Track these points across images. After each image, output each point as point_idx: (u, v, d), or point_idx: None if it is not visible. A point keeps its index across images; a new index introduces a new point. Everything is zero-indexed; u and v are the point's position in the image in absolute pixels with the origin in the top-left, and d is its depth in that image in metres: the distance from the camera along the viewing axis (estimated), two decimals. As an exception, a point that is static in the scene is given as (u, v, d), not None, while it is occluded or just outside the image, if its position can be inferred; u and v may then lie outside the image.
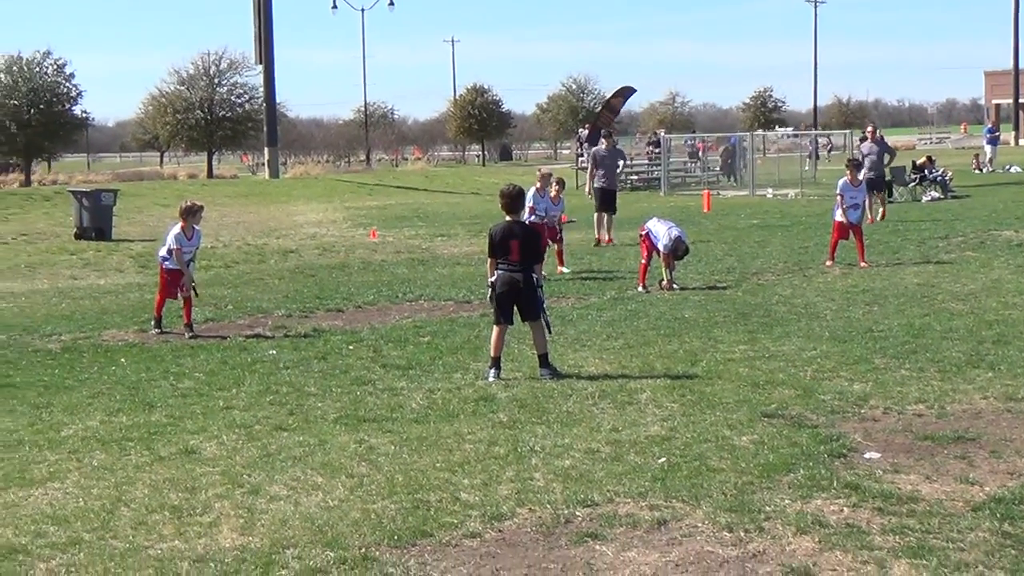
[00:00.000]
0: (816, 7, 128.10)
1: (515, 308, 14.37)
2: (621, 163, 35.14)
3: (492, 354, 14.33)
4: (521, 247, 14.20)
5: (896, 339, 15.67)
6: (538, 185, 24.44)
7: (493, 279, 14.39)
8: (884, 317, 17.46)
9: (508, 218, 14.50)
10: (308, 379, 14.49)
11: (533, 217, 23.06)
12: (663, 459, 10.46)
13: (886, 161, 36.04)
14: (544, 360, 14.22)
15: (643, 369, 14.34)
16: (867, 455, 10.50)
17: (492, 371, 14.22)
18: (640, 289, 20.94)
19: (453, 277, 24.32)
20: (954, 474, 9.87)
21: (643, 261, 21.36)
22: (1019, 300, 18.48)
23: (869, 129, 38.62)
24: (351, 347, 16.52)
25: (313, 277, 25.69)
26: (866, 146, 37.20)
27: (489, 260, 14.55)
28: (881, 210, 34.78)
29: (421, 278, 24.41)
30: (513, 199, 14.59)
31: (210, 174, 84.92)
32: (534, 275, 14.30)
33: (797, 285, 21.32)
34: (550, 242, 23.45)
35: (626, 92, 65.20)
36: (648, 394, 12.96)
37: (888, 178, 39.06)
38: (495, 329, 14.35)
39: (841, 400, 12.47)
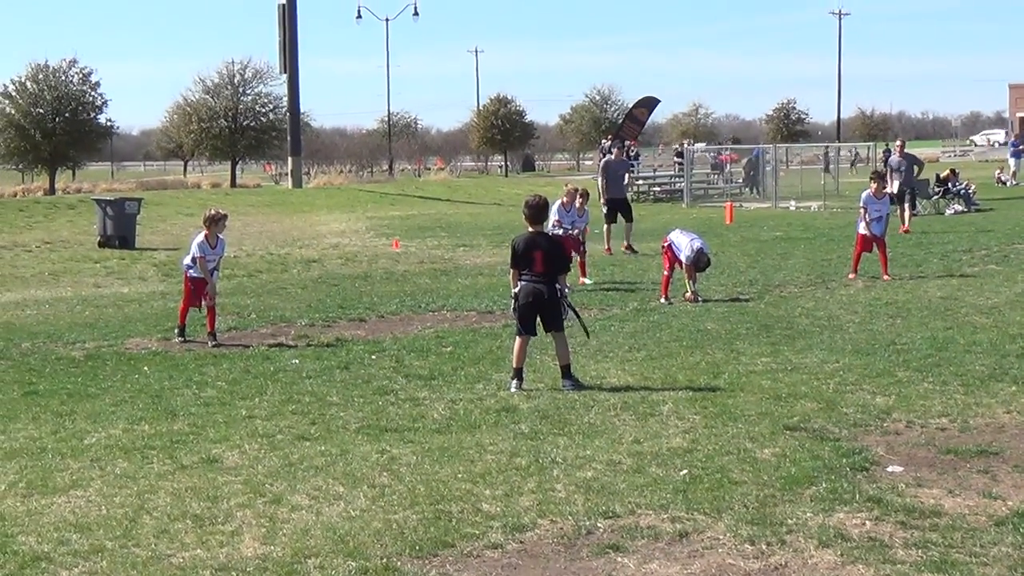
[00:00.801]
0: (840, 19, 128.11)
1: (538, 319, 14.37)
2: (627, 175, 35.61)
3: (514, 365, 14.33)
4: (545, 258, 14.19)
5: (919, 352, 15.62)
6: (564, 200, 24.51)
7: (516, 290, 14.38)
8: (907, 330, 17.42)
9: (531, 229, 14.48)
10: (330, 389, 14.51)
11: (559, 230, 23.09)
12: (685, 471, 10.44)
13: (915, 172, 36.59)
14: (567, 371, 14.22)
15: (665, 381, 14.33)
16: (890, 469, 10.47)
17: (514, 382, 14.22)
18: (663, 301, 20.92)
19: (475, 287, 24.32)
20: (977, 488, 9.84)
21: (665, 273, 21.33)
22: (1043, 314, 18.40)
23: (898, 143, 39.06)
24: (373, 357, 16.54)
25: (336, 287, 25.72)
26: (895, 160, 37.45)
27: (512, 271, 14.54)
28: (907, 222, 34.80)
29: (443, 288, 24.42)
30: (537, 210, 14.59)
31: (233, 183, 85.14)
32: (558, 286, 14.29)
33: (820, 297, 21.27)
34: (573, 253, 23.42)
35: (651, 103, 65.26)
36: (670, 406, 12.94)
37: (937, 188, 39.35)
38: (517, 340, 14.35)
39: (864, 413, 12.43)
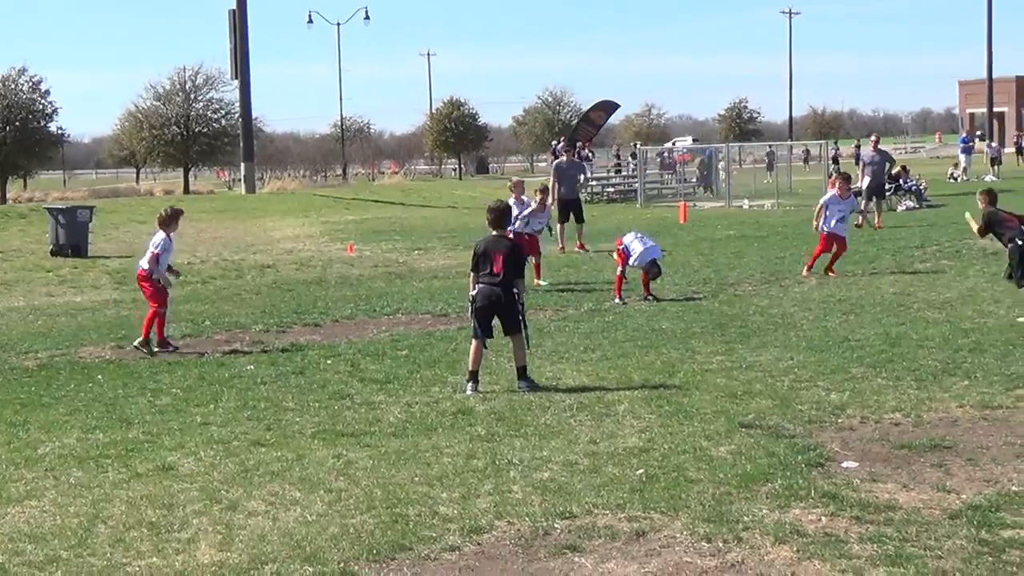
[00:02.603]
0: (791, 18, 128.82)
1: (494, 322, 14.38)
2: (582, 177, 36.15)
3: (470, 368, 14.33)
4: (505, 260, 14.22)
5: (873, 348, 15.72)
6: (514, 194, 24.59)
7: (474, 292, 14.40)
8: (860, 326, 17.52)
9: (494, 233, 14.54)
10: (286, 394, 14.46)
11: (517, 224, 23.02)
12: (641, 471, 10.47)
13: (887, 169, 37.01)
14: (522, 372, 14.23)
15: (621, 381, 14.36)
16: (844, 464, 10.53)
17: (470, 384, 14.22)
18: (616, 301, 20.95)
19: (430, 291, 24.31)
20: (931, 482, 9.91)
21: (619, 272, 21.37)
22: (994, 308, 18.54)
23: (872, 138, 39.52)
24: (329, 361, 16.50)
25: (291, 292, 25.65)
26: (867, 154, 37.81)
27: (471, 275, 14.55)
28: (878, 217, 35.07)
29: (398, 292, 24.38)
30: (499, 214, 14.70)
31: (186, 190, 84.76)
32: (515, 290, 14.32)
33: (774, 295, 21.36)
34: (530, 256, 23.42)
35: (609, 107, 65.38)
36: (626, 406, 12.97)
37: (889, 185, 39.76)
38: (473, 343, 14.36)
39: (818, 410, 12.50)
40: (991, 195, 20.33)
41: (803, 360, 15.13)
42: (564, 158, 35.82)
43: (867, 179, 35.78)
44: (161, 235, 18.31)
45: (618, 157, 70.69)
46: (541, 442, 11.60)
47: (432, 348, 17.26)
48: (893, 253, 27.29)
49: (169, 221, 18.44)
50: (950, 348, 15.53)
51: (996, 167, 64.30)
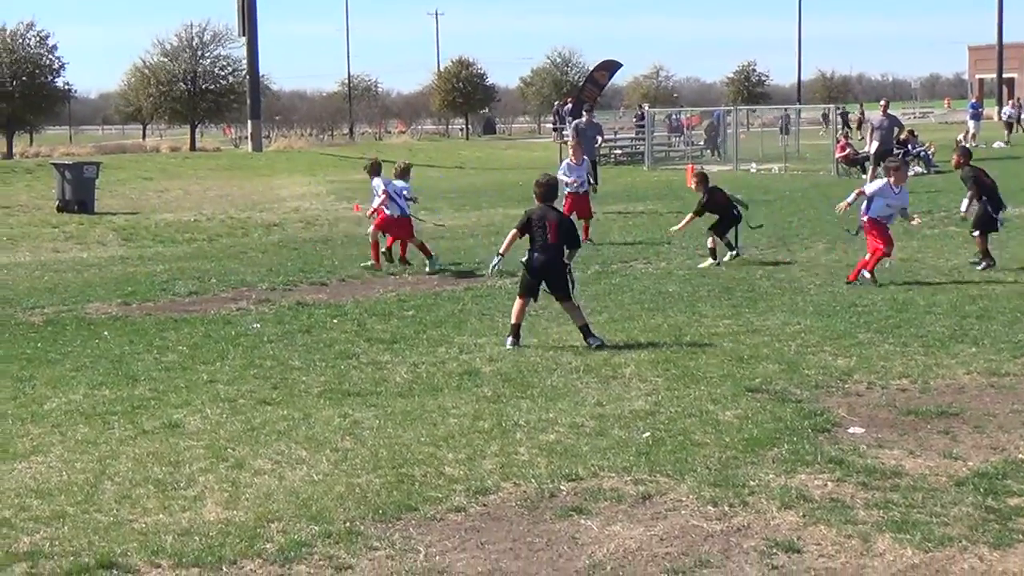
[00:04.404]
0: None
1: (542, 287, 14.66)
2: (599, 138, 35.87)
3: (512, 321, 14.58)
4: (558, 229, 14.42)
5: (880, 314, 15.70)
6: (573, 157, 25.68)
7: (523, 259, 14.66)
8: (867, 291, 17.48)
9: (542, 204, 14.75)
10: (292, 353, 14.46)
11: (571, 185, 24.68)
12: (647, 433, 10.47)
13: (895, 133, 36.93)
14: (587, 331, 14.38)
15: (627, 343, 14.35)
16: (851, 430, 10.52)
17: (510, 339, 14.46)
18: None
19: (437, 251, 24.26)
20: (937, 449, 9.90)
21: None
22: (1001, 275, 18.52)
23: (882, 103, 39.31)
24: (335, 321, 16.49)
25: (296, 251, 25.64)
26: (876, 119, 37.69)
27: (513, 232, 14.78)
28: None
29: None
30: (547, 188, 14.89)
31: (193, 147, 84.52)
32: (565, 260, 14.54)
33: (781, 259, 21.33)
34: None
35: (611, 66, 65.02)
36: (632, 368, 12.97)
37: (897, 150, 39.61)
38: (519, 300, 14.60)
39: (825, 375, 12.49)
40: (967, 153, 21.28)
41: (810, 325, 15.11)
42: (584, 118, 35.51)
43: (875, 143, 35.72)
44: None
45: (641, 118, 69.85)
46: (547, 404, 11.60)
47: (438, 308, 17.25)
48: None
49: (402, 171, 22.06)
50: (957, 314, 15.50)
51: (1010, 133, 63.41)
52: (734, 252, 21.14)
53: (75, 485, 9.50)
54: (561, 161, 32.69)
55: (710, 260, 20.85)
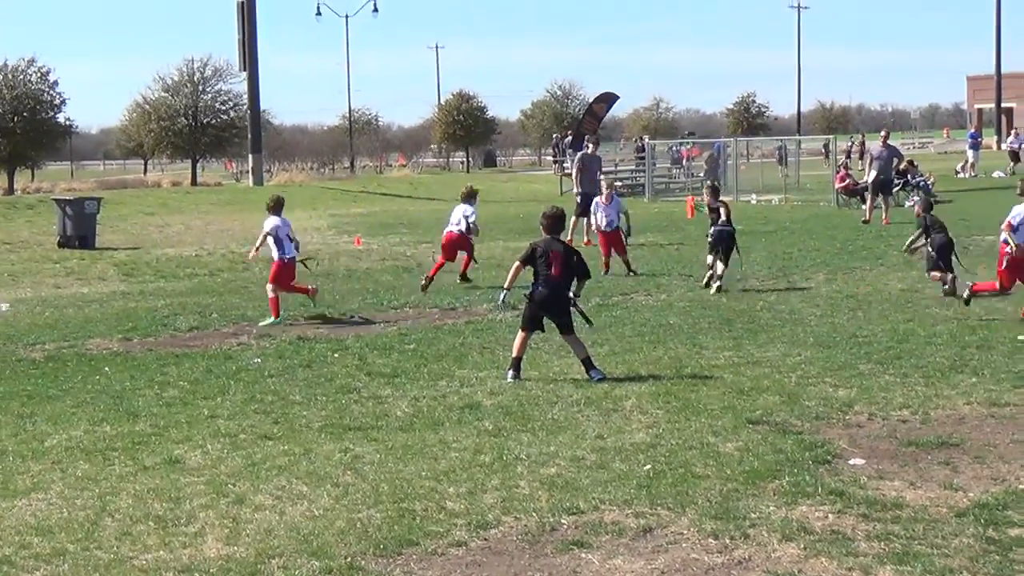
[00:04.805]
0: (799, 12, 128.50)
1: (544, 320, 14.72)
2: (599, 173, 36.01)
3: (514, 355, 14.59)
4: (563, 263, 14.42)
5: (880, 344, 15.71)
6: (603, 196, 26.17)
7: (526, 293, 14.72)
8: (868, 322, 17.51)
9: (548, 237, 14.77)
10: (293, 388, 14.47)
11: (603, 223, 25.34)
12: (648, 466, 10.46)
13: (894, 164, 36.91)
14: (588, 364, 14.38)
15: (628, 376, 14.37)
16: (852, 461, 10.52)
17: (511, 371, 14.45)
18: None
19: (438, 285, 24.28)
20: (938, 480, 9.90)
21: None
22: (1002, 305, 18.50)
23: (883, 133, 39.34)
24: (336, 355, 16.50)
25: (298, 285, 25.59)
26: (876, 149, 37.73)
27: (517, 264, 14.82)
28: (885, 213, 35.02)
29: (406, 286, 24.37)
30: (554, 220, 14.91)
31: (194, 181, 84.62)
32: (570, 293, 14.59)
33: (781, 291, 21.35)
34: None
35: (609, 99, 65.27)
36: (633, 401, 12.97)
37: (897, 181, 39.70)
38: (520, 333, 14.61)
39: (826, 406, 12.49)
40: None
41: (810, 356, 15.12)
42: (590, 149, 35.43)
43: (873, 173, 35.79)
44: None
45: (642, 150, 69.83)
46: (548, 437, 11.60)
47: (439, 342, 17.25)
48: (900, 249, 27.20)
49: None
50: (958, 345, 15.51)
51: (1015, 163, 62.99)
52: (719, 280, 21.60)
53: (75, 522, 9.50)
54: (561, 193, 32.79)
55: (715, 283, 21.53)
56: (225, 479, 10.59)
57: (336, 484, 10.30)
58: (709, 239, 22.02)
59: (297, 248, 20.67)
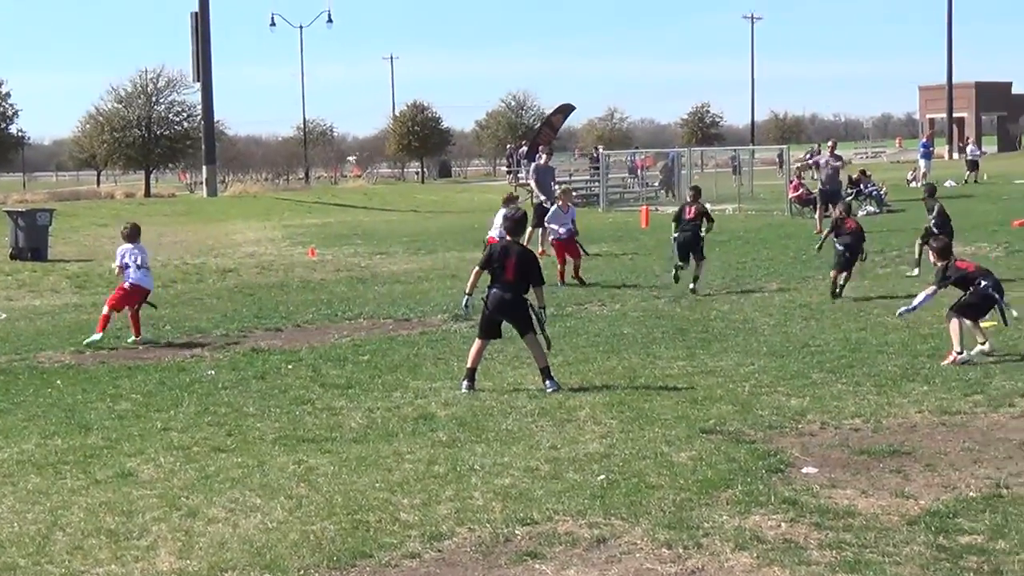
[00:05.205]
0: (753, 23, 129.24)
1: (502, 325, 14.66)
2: (553, 183, 36.13)
3: (468, 365, 14.54)
4: (516, 267, 14.31)
5: (833, 353, 15.79)
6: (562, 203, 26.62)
7: (483, 296, 14.61)
8: (821, 332, 17.60)
9: (508, 239, 14.77)
10: (247, 399, 14.42)
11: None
12: (602, 476, 10.48)
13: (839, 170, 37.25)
14: (546, 373, 14.34)
15: (582, 386, 14.39)
16: (804, 470, 10.57)
17: (465, 382, 14.42)
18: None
19: (392, 295, 24.28)
20: (890, 488, 9.96)
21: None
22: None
23: (830, 143, 39.48)
24: (290, 366, 16.46)
25: (252, 296, 25.55)
26: (823, 159, 37.86)
27: (476, 270, 14.75)
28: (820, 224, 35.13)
29: (360, 297, 24.34)
30: (515, 222, 14.95)
31: (148, 193, 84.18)
32: (525, 296, 14.48)
33: (735, 300, 21.44)
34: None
35: (566, 110, 65.53)
36: (587, 411, 12.99)
37: (849, 190, 40.00)
38: (477, 342, 14.57)
39: (779, 415, 12.55)
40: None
41: (764, 365, 15.19)
42: (543, 160, 35.47)
43: (818, 185, 36.01)
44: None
45: (596, 159, 69.98)
46: (502, 448, 11.60)
47: (394, 353, 17.24)
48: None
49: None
50: (909, 353, 15.62)
51: (974, 172, 63.13)
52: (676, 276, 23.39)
53: (26, 536, 9.43)
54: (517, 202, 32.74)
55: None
56: (178, 492, 10.53)
57: (290, 496, 10.26)
58: (676, 241, 23.45)
59: (145, 276, 19.71)
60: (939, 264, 16.07)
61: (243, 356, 17.49)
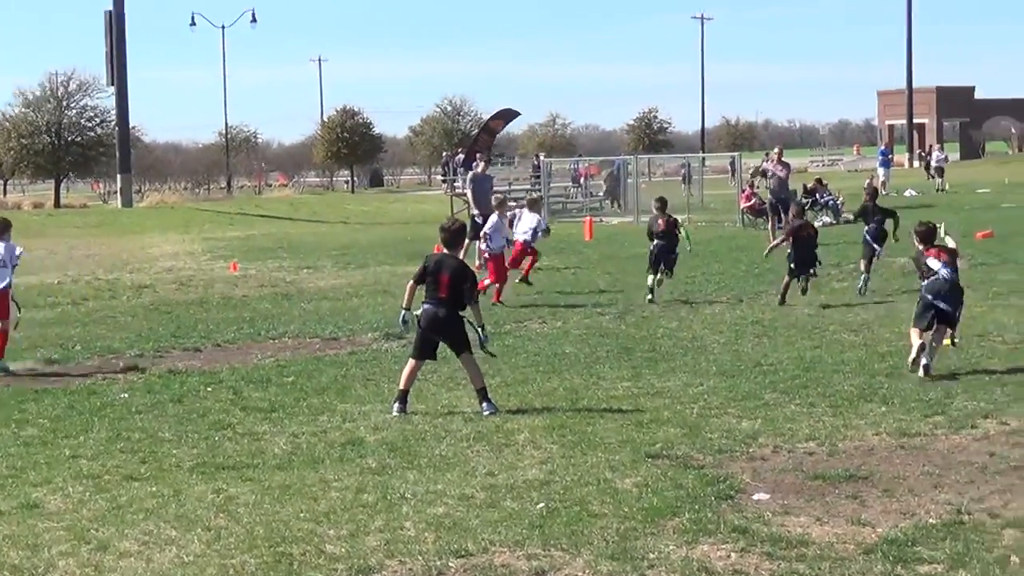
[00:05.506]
0: (703, 24, 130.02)
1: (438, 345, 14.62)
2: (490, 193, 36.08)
3: (400, 387, 14.49)
4: (451, 283, 14.27)
5: (786, 373, 15.87)
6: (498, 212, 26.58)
7: (417, 312, 14.54)
8: (774, 350, 17.69)
9: (445, 252, 14.76)
10: (162, 424, 14.32)
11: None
12: (541, 504, 10.48)
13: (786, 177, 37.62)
14: (483, 395, 14.31)
15: (521, 408, 14.38)
16: (756, 496, 10.61)
17: (397, 404, 14.36)
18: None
19: (320, 312, 24.21)
20: (845, 515, 10.01)
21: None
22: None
23: (776, 150, 39.78)
24: (209, 389, 16.37)
25: (169, 314, 25.39)
26: (770, 167, 38.14)
27: (410, 284, 14.71)
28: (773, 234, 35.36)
29: (285, 314, 24.26)
30: (452, 234, 14.85)
31: (58, 203, 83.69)
32: (461, 313, 14.41)
33: (683, 317, 21.51)
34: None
35: (508, 115, 65.60)
36: (526, 435, 12.99)
37: (805, 200, 40.31)
38: (411, 362, 14.54)
39: (729, 438, 12.59)
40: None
41: (713, 386, 15.24)
42: (480, 168, 35.11)
43: (768, 194, 36.34)
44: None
45: (537, 167, 70.17)
46: (436, 475, 11.58)
47: (321, 374, 17.18)
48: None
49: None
50: (866, 373, 15.72)
51: (938, 179, 63.83)
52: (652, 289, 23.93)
53: (-77, 573, 9.33)
54: (452, 215, 32.80)
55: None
56: (87, 524, 10.44)
57: (208, 528, 10.20)
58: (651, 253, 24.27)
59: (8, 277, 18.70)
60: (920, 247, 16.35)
61: (159, 378, 17.36)
